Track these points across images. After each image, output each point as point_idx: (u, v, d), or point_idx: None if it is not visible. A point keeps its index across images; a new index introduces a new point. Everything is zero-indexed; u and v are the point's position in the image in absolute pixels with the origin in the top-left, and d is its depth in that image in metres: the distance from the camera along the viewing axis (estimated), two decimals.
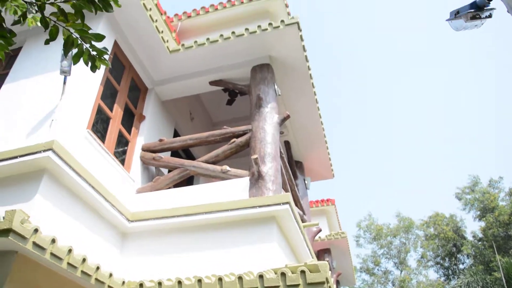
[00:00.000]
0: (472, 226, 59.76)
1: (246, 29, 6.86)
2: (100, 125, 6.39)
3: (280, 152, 6.64)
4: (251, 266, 4.67)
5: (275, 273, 4.18)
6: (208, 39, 7.03)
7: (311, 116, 8.70)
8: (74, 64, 2.72)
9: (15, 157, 4.75)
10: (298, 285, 4.01)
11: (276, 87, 7.05)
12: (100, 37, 2.58)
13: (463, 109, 67.96)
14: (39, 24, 2.45)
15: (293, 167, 9.24)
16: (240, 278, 4.17)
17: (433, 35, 69.49)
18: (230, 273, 4.41)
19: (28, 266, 3.96)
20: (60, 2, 2.49)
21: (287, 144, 9.31)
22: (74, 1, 2.46)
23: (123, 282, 4.70)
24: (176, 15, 9.04)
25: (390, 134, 74.47)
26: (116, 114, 6.67)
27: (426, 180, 65.57)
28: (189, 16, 8.93)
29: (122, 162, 6.72)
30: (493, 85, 62.94)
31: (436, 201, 62.17)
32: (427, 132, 69.44)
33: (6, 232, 3.48)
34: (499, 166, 59.39)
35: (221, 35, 7.00)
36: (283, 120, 6.66)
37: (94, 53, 2.64)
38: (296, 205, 7.73)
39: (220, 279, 4.22)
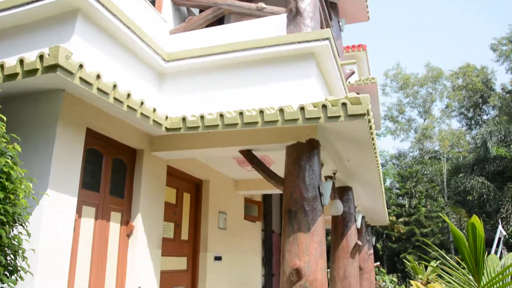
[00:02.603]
0: (503, 79, 58.50)
1: None
2: None
3: None
4: (290, 102, 4.73)
5: (315, 107, 4.24)
6: None
7: None
8: None
9: None
10: (339, 116, 4.09)
11: None
12: None
13: None
14: None
15: (328, 8, 8.80)
16: (281, 110, 4.26)
17: None
18: (270, 107, 4.50)
19: (75, 103, 4.08)
20: None
21: None
22: None
23: (166, 117, 4.89)
24: None
25: None
26: None
27: (460, 31, 62.51)
28: None
29: (153, 3, 6.48)
30: None
31: (469, 52, 60.12)
32: None
33: (53, 67, 3.49)
34: None
35: None
36: None
37: None
38: None
39: (261, 111, 4.33)
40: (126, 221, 4.93)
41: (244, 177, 7.73)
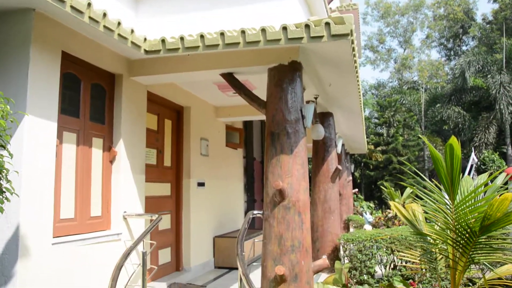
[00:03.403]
0: (484, 9, 57.94)
1: None
2: None
3: None
4: (272, 24, 4.59)
5: (298, 27, 4.13)
6: None
7: None
8: None
9: None
10: (322, 36, 4.01)
11: None
12: None
13: None
14: None
15: None
16: (263, 30, 4.15)
17: None
18: (252, 28, 4.37)
19: (48, 24, 3.85)
20: None
21: None
22: None
23: (145, 39, 4.72)
24: None
25: None
26: None
27: None
28: None
29: None
30: None
31: None
32: None
33: None
34: None
35: None
36: None
37: None
38: None
39: (243, 32, 4.21)
40: (108, 147, 4.90)
41: (225, 104, 7.69)
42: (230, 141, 8.57)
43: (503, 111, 22.88)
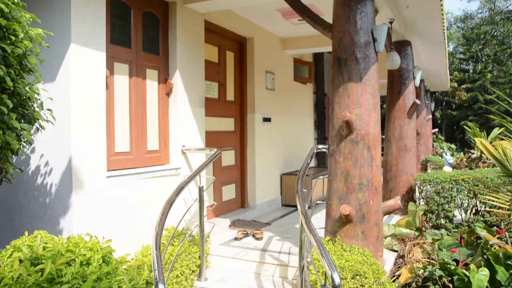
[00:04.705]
0: None
1: None
2: None
3: None
4: None
5: None
6: None
7: None
8: None
9: None
10: None
11: None
12: None
13: None
14: None
15: None
16: None
17: None
18: None
19: None
20: None
21: None
22: None
23: None
24: None
25: None
26: None
27: None
28: None
29: None
30: None
31: None
32: None
33: None
34: None
35: None
36: None
37: None
38: None
39: None
40: (164, 79, 4.67)
41: (291, 35, 7.15)
42: (299, 75, 8.07)
43: None
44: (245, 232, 5.07)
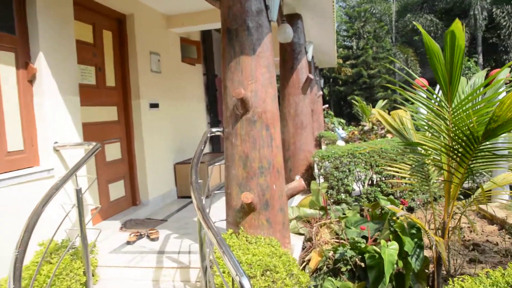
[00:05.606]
0: None
1: None
2: None
3: None
4: None
5: None
6: None
7: None
8: None
9: None
10: None
11: None
12: None
13: None
14: None
15: None
16: None
17: None
18: None
19: None
20: None
21: None
22: None
23: None
24: None
25: None
26: None
27: None
28: None
29: None
30: None
31: None
32: None
33: None
34: None
35: None
36: None
37: None
38: None
39: None
40: (24, 63, 3.85)
41: (176, 11, 6.54)
42: (187, 55, 7.50)
43: (477, 16, 22.12)
44: (139, 234, 4.49)
